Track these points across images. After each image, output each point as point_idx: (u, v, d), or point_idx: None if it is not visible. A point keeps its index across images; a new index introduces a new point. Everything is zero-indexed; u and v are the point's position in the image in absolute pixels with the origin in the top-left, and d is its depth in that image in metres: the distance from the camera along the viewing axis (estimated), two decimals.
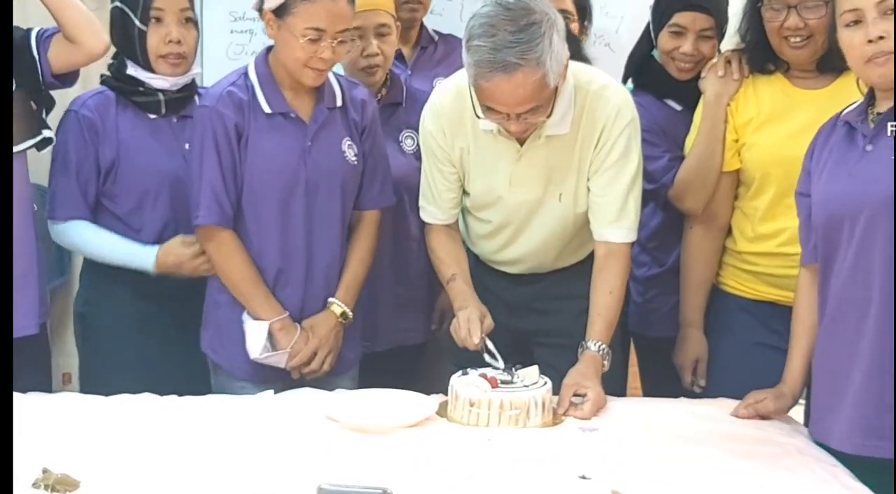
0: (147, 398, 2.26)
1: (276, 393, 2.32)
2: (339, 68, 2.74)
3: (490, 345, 2.28)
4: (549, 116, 2.28)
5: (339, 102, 2.51)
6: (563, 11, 3.04)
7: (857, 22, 2.01)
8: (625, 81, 2.93)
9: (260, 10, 2.42)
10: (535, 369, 2.23)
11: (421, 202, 2.57)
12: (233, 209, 2.42)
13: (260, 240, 2.44)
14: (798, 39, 2.42)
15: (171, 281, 2.50)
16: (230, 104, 2.40)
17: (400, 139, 2.79)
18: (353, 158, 2.50)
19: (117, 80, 2.56)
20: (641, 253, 2.86)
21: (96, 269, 2.57)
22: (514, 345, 2.55)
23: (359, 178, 2.53)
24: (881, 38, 1.97)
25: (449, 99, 2.38)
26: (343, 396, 2.29)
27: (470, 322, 2.32)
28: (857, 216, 2.02)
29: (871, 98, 2.09)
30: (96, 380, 2.52)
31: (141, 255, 2.49)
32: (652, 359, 2.87)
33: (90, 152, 2.53)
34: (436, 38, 3.16)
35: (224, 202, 2.40)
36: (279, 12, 2.35)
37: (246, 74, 2.46)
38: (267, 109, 2.42)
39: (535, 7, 2.18)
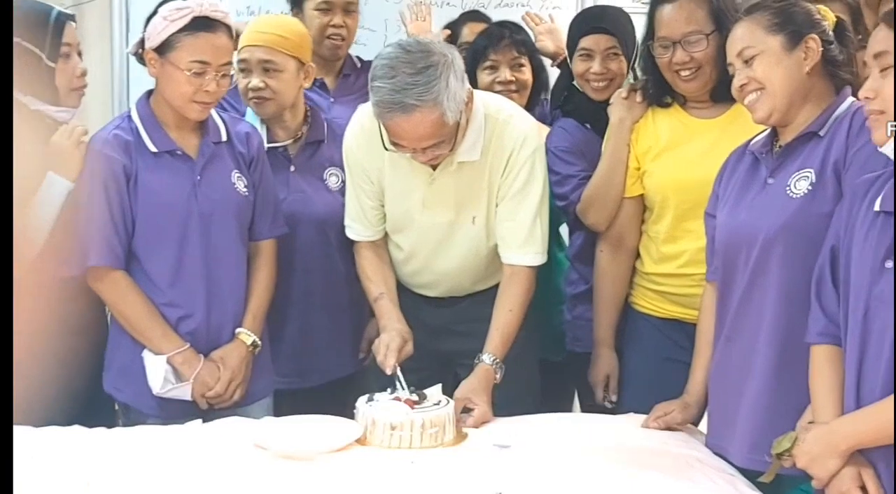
0: (76, 430, 2.28)
1: (203, 422, 2.35)
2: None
3: (399, 375, 2.36)
4: (453, 149, 2.38)
5: (223, 137, 2.57)
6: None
7: (733, 74, 2.22)
8: (551, 110, 3.09)
9: (137, 53, 2.48)
10: (438, 388, 2.34)
11: (346, 220, 2.66)
12: (124, 249, 2.45)
13: (159, 277, 2.47)
14: (687, 72, 2.57)
15: (91, 315, 2.52)
16: (116, 146, 2.45)
17: (324, 177, 2.84)
18: (244, 189, 2.56)
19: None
20: (571, 270, 2.99)
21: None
22: (438, 367, 2.67)
23: (251, 209, 2.59)
24: (743, 85, 2.18)
25: (368, 121, 2.46)
26: (271, 423, 2.34)
27: (388, 348, 2.42)
28: (753, 244, 2.16)
29: (775, 130, 2.23)
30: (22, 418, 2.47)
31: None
32: (583, 374, 2.91)
33: None
34: (359, 65, 3.23)
35: (114, 243, 2.43)
36: (162, 49, 2.42)
37: (129, 117, 2.51)
38: (153, 148, 2.47)
39: (433, 49, 2.30)
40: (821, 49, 2.15)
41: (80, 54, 2.58)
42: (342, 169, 2.72)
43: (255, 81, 2.73)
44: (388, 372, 2.39)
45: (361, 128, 2.53)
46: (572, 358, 2.97)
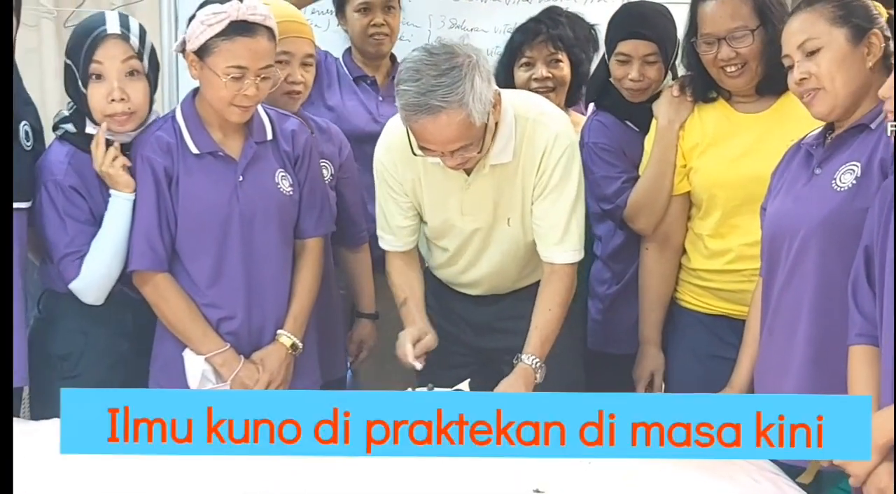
0: None
1: None
2: None
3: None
4: (481, 150, 2.37)
5: (269, 136, 2.54)
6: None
7: (790, 66, 2.17)
8: (586, 105, 3.05)
9: (182, 51, 2.45)
10: (466, 383, 2.35)
11: (378, 231, 2.67)
12: (166, 251, 2.45)
13: (200, 278, 2.47)
14: (733, 68, 2.53)
15: (144, 318, 2.53)
16: (158, 149, 2.44)
17: None
18: (289, 189, 2.54)
19: (78, 135, 2.49)
20: (604, 269, 2.96)
21: (75, 311, 2.52)
22: (482, 365, 2.67)
23: (296, 209, 2.57)
24: (803, 78, 2.14)
25: (400, 133, 2.45)
26: None
27: (404, 344, 2.46)
28: (795, 235, 2.13)
29: (830, 124, 2.20)
30: None
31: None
32: (610, 377, 2.88)
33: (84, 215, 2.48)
34: None
35: (157, 246, 2.44)
36: (201, 53, 2.39)
37: (174, 117, 2.50)
38: (195, 150, 2.46)
39: (458, 51, 2.29)
40: (883, 45, 2.12)
41: (132, 74, 2.46)
42: (332, 161, 2.76)
43: (298, 75, 2.72)
44: (410, 360, 2.45)
45: (394, 141, 2.51)
46: (601, 358, 2.92)
